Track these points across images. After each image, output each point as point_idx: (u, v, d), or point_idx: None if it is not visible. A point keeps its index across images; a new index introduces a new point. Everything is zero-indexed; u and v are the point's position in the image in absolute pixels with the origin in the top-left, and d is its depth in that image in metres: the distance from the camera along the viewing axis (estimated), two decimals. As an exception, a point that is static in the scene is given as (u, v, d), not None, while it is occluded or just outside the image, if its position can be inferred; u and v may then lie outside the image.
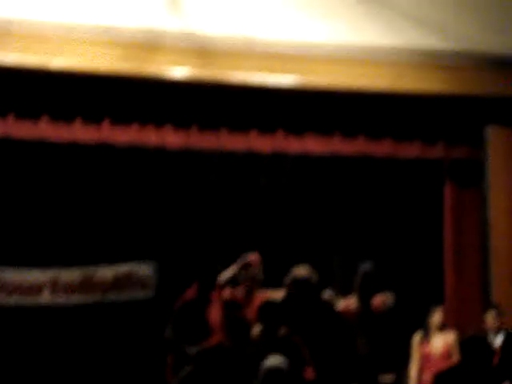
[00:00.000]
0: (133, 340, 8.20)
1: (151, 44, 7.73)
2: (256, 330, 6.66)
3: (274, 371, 5.45)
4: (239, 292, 7.21)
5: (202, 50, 7.79)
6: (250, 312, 6.97)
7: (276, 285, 7.20)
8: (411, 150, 8.55)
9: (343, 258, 8.61)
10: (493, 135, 8.59)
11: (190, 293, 7.00)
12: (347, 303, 7.20)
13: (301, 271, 7.07)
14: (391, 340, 7.27)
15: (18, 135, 7.91)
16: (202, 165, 8.44)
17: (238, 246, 7.80)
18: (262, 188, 8.60)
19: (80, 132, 7.96)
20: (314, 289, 7.02)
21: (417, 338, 7.94)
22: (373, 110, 8.39)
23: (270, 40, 7.90)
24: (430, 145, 8.59)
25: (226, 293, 7.16)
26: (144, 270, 8.35)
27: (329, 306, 7.12)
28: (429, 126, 8.56)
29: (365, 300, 7.15)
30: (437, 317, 8.05)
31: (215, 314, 6.96)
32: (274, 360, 5.51)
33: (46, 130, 7.91)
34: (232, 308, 7.07)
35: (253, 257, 7.26)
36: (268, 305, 6.61)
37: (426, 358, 7.86)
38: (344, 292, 7.44)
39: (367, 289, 7.16)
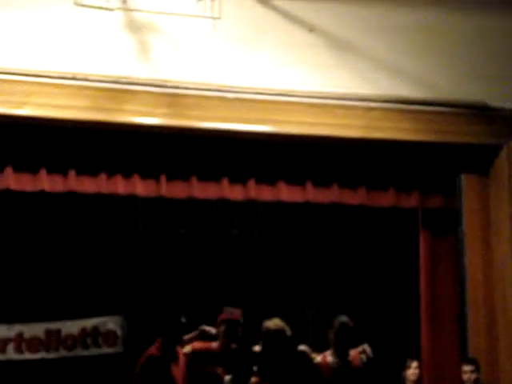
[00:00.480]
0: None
1: (120, 92, 7.60)
2: (227, 378, 6.59)
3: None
4: (214, 345, 7.08)
5: (171, 98, 7.69)
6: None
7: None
8: (385, 199, 8.46)
9: (317, 310, 8.49)
10: (467, 183, 8.53)
11: (153, 349, 6.85)
12: (324, 357, 7.11)
13: (272, 323, 7.00)
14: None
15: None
16: (171, 214, 8.29)
17: (208, 298, 7.70)
18: (234, 238, 8.47)
19: (46, 182, 7.78)
20: (288, 340, 6.94)
21: (393, 391, 7.85)
22: (346, 158, 8.31)
23: (241, 87, 7.82)
24: (403, 193, 8.51)
25: (195, 346, 7.02)
26: (111, 324, 8.23)
27: (305, 358, 7.04)
28: (402, 175, 8.49)
29: (342, 353, 7.05)
30: (412, 370, 7.98)
31: (180, 370, 6.81)
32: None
33: (10, 179, 7.71)
34: (201, 362, 6.92)
35: (236, 314, 7.15)
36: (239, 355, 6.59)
37: (402, 412, 7.77)
38: (318, 346, 7.32)
39: (344, 342, 7.06)
